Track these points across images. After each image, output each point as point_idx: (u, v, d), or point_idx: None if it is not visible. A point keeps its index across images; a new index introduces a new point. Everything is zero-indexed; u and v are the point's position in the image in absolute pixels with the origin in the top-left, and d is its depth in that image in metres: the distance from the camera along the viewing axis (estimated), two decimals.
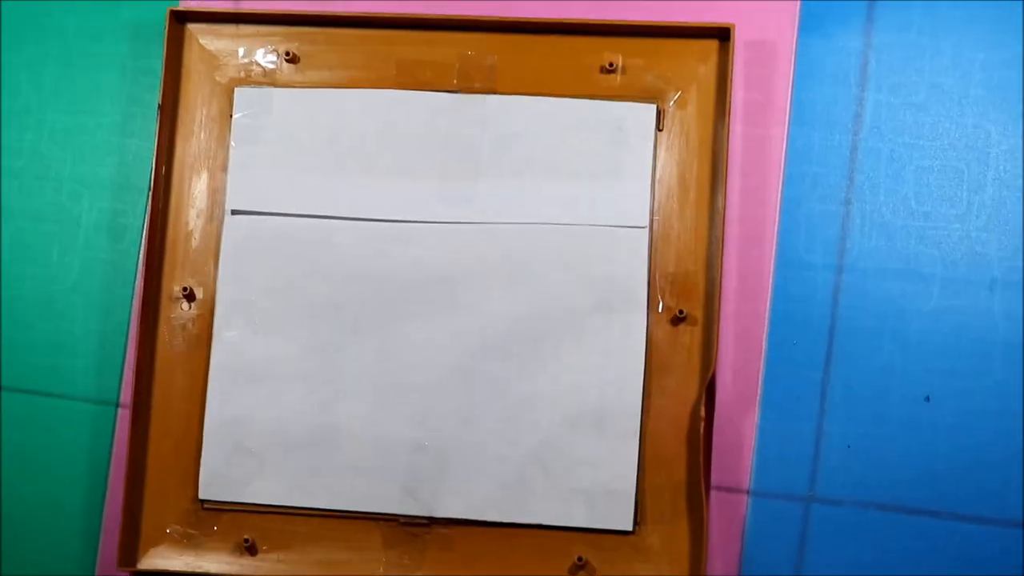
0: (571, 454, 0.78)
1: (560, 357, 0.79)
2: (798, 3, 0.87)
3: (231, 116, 0.83)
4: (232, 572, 0.78)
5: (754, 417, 0.84)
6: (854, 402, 0.84)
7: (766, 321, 0.85)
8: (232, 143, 0.82)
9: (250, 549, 0.78)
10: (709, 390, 0.78)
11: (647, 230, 0.81)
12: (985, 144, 0.85)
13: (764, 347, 0.84)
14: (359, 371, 0.79)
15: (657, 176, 0.82)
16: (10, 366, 0.88)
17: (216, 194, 0.83)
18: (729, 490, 0.84)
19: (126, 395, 0.85)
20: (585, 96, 0.83)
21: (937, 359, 0.84)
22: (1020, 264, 0.84)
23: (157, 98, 0.86)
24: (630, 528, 0.78)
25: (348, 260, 0.81)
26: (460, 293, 0.80)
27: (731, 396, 0.84)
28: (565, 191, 0.81)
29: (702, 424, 0.78)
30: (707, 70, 0.83)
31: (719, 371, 0.83)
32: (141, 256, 0.84)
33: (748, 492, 0.84)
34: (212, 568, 0.78)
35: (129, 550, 0.78)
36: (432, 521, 0.78)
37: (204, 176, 0.83)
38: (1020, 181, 0.85)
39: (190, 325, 0.81)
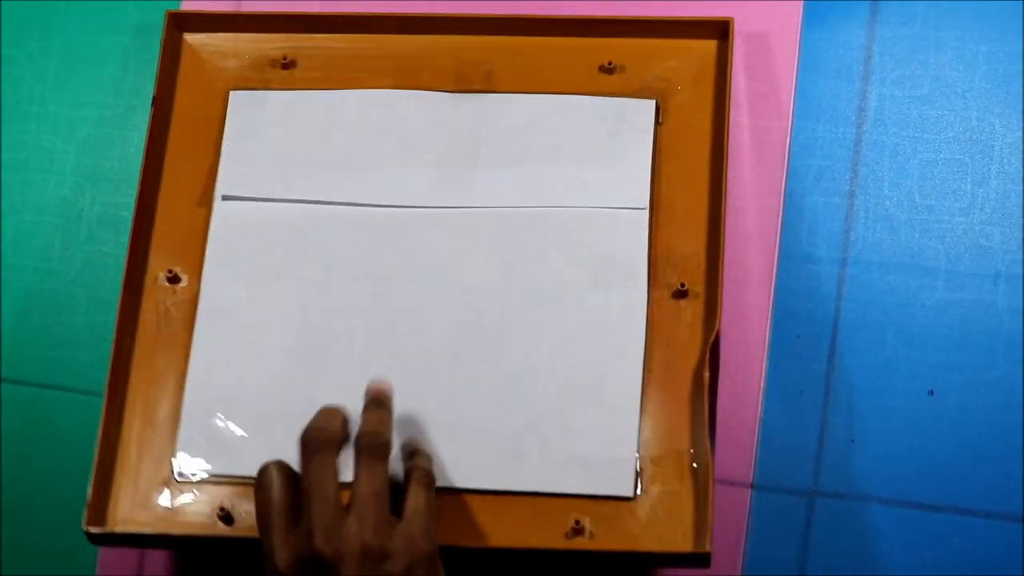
0: (570, 423, 0.77)
1: (557, 332, 0.78)
2: None
3: (225, 117, 0.82)
4: (205, 535, 0.76)
5: (757, 411, 0.84)
6: (858, 396, 0.83)
7: (769, 314, 0.84)
8: (225, 140, 0.82)
9: (225, 519, 0.77)
10: (713, 353, 0.77)
11: (647, 211, 0.80)
12: (989, 137, 0.85)
13: (767, 340, 0.84)
14: (347, 347, 0.78)
15: (657, 165, 0.81)
16: (12, 358, 0.88)
17: (207, 184, 0.82)
18: (732, 484, 0.83)
19: None
20: (584, 94, 0.82)
21: (941, 353, 0.83)
22: None
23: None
24: (630, 494, 0.76)
25: (340, 244, 0.80)
26: (455, 273, 0.80)
27: (734, 389, 0.83)
28: (565, 177, 0.81)
29: (706, 386, 0.76)
30: (707, 64, 0.82)
31: (722, 363, 0.83)
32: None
33: (751, 486, 0.83)
34: (184, 532, 0.76)
35: (99, 510, 0.77)
36: None
37: (195, 167, 0.83)
38: None
39: (174, 309, 0.80)
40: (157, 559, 0.86)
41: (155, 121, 0.82)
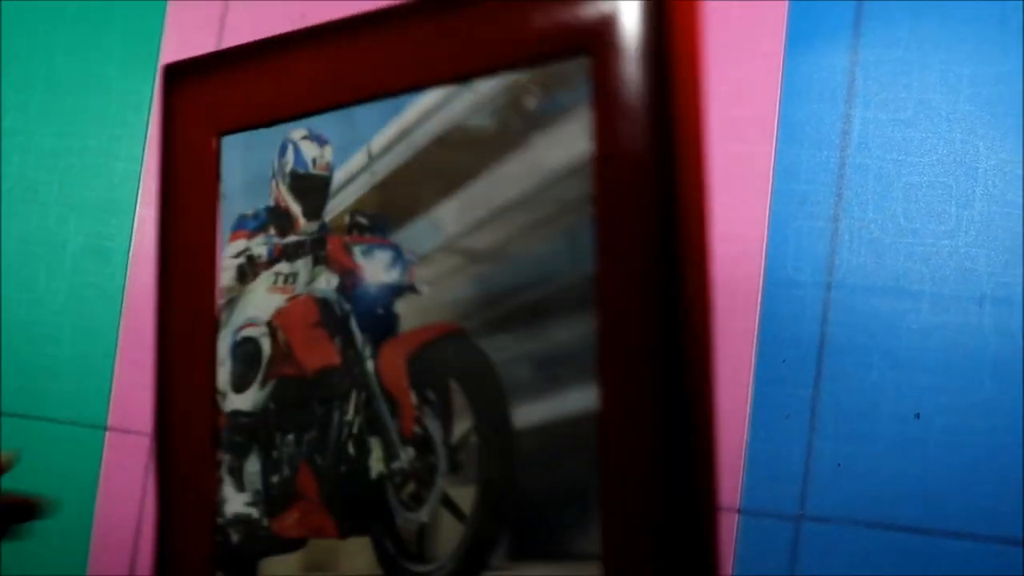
0: None
1: None
2: (784, 21, 0.86)
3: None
4: None
5: (743, 435, 0.84)
6: (844, 420, 0.83)
7: (755, 339, 0.84)
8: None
9: None
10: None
11: None
12: (974, 159, 0.85)
13: (753, 365, 0.84)
14: None
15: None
16: (9, 390, 0.88)
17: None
18: (719, 508, 0.83)
19: (114, 418, 0.85)
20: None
21: (927, 376, 0.83)
22: (1010, 280, 0.83)
23: (145, 119, 0.87)
24: None
25: None
26: None
27: (720, 414, 0.83)
28: None
29: None
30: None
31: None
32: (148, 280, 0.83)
33: (738, 511, 0.83)
34: None
35: None
36: None
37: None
38: (1009, 196, 0.84)
39: None
40: (148, 560, 0.86)
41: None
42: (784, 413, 0.84)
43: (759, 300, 0.85)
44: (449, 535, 0.69)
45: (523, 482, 0.66)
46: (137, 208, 0.88)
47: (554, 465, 0.65)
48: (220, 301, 0.75)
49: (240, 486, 0.74)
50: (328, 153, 0.74)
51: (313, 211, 0.74)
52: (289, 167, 0.75)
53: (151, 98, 0.89)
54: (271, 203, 0.75)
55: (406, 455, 0.70)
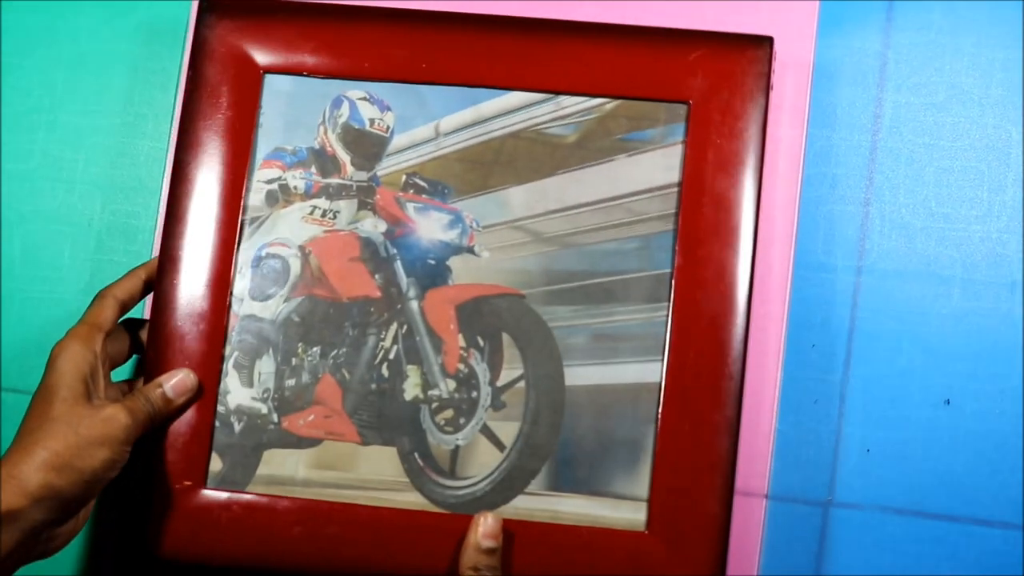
0: None
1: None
2: (817, 4, 0.86)
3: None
4: None
5: (772, 421, 0.83)
6: (873, 405, 0.83)
7: (784, 323, 0.84)
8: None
9: None
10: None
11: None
12: (1006, 145, 0.84)
13: (782, 349, 0.84)
14: None
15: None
16: (19, 367, 0.88)
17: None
18: (747, 494, 0.83)
19: None
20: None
21: (957, 362, 0.83)
22: None
23: (172, 98, 0.87)
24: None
25: None
26: None
27: (749, 399, 0.83)
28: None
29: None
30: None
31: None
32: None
33: (766, 496, 0.83)
34: None
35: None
36: None
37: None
38: None
39: None
40: None
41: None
42: (813, 398, 0.83)
43: (789, 284, 0.84)
44: (486, 460, 0.78)
45: (570, 426, 0.77)
46: (163, 187, 0.87)
47: (604, 419, 0.77)
48: (243, 217, 0.80)
49: (248, 382, 0.79)
50: (389, 118, 0.80)
51: (364, 163, 0.81)
52: (343, 119, 0.81)
53: (178, 77, 0.89)
54: (315, 145, 0.81)
55: (446, 386, 0.78)
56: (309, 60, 0.81)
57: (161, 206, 0.87)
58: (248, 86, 0.80)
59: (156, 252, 0.83)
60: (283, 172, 0.80)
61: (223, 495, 0.78)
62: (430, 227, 0.79)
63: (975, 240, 0.84)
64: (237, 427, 0.79)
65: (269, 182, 0.80)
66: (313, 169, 0.81)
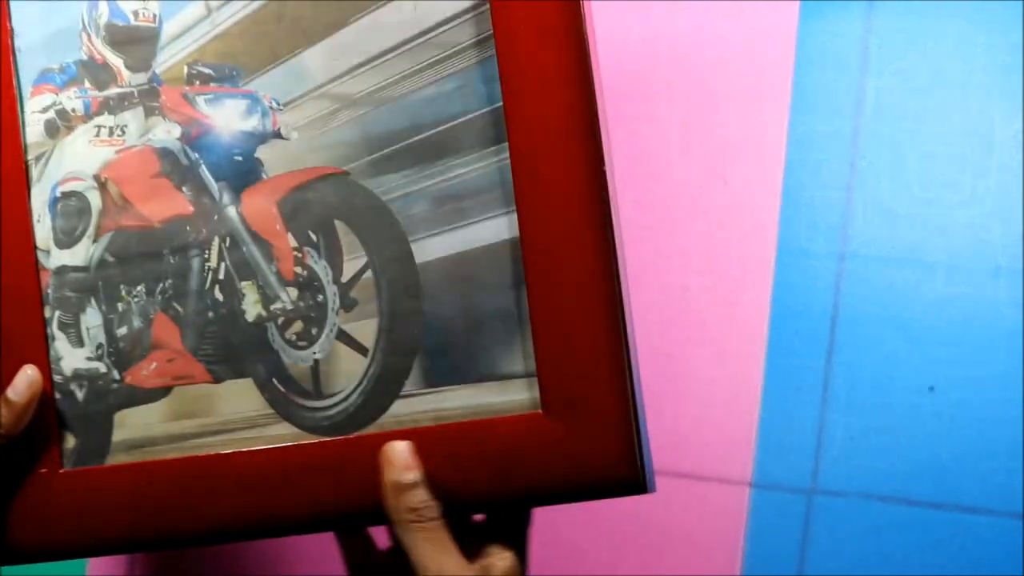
0: None
1: None
2: None
3: None
4: None
5: (755, 408, 0.83)
6: (857, 392, 0.83)
7: (767, 310, 0.84)
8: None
9: None
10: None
11: None
12: (989, 129, 0.84)
13: (765, 337, 0.83)
14: None
15: None
16: None
17: None
18: (730, 482, 0.83)
19: None
20: None
21: (941, 348, 0.82)
22: None
23: None
24: None
25: None
26: None
27: (732, 386, 0.83)
28: None
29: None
30: None
31: (720, 360, 0.82)
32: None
33: (750, 484, 0.83)
34: None
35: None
36: None
37: None
38: None
39: None
40: (146, 559, 0.86)
41: None
42: (796, 386, 0.83)
43: (772, 271, 0.84)
44: (350, 368, 0.68)
45: (432, 310, 0.67)
46: None
47: (466, 292, 0.67)
48: (27, 157, 0.72)
49: (79, 342, 0.72)
50: (154, 6, 0.72)
51: (139, 64, 0.72)
52: (104, 20, 0.72)
53: None
54: (83, 57, 0.72)
55: (288, 296, 0.69)
56: None
57: None
58: None
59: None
60: (56, 95, 0.72)
61: (83, 474, 0.70)
62: (227, 118, 0.70)
63: (958, 226, 0.83)
64: (80, 395, 0.71)
65: (44, 110, 0.72)
66: (87, 84, 0.72)
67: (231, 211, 0.70)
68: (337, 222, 0.69)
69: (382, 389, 0.68)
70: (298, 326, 0.69)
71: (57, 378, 0.70)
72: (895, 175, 0.84)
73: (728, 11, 0.85)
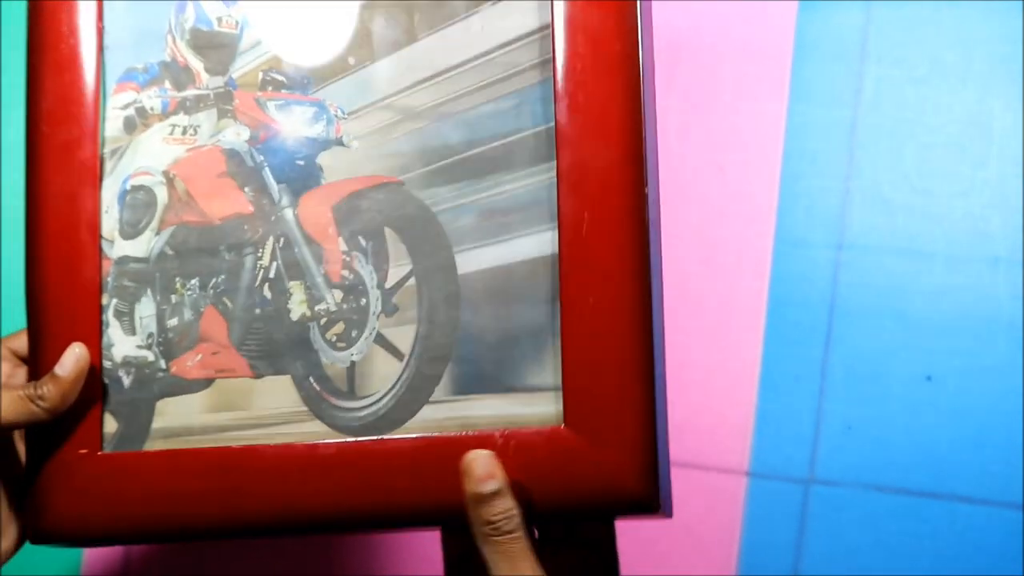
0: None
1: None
2: None
3: None
4: None
5: (753, 398, 0.83)
6: (854, 382, 0.83)
7: (765, 299, 0.84)
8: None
9: None
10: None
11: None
12: (988, 119, 0.84)
13: (763, 326, 0.83)
14: None
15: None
16: None
17: None
18: (728, 471, 0.83)
19: None
20: None
21: (939, 338, 0.82)
22: None
23: None
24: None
25: None
26: None
27: (729, 376, 0.83)
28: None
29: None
30: None
31: (717, 350, 0.82)
32: None
33: (747, 473, 0.83)
34: None
35: None
36: None
37: None
38: None
39: None
40: (143, 562, 0.86)
41: None
42: (794, 375, 0.83)
43: (770, 260, 0.84)
44: (385, 371, 0.70)
45: (469, 320, 0.69)
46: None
47: (503, 304, 0.69)
48: (103, 150, 0.75)
49: (131, 330, 0.74)
50: (237, 12, 0.75)
51: (217, 67, 0.75)
52: (189, 24, 0.75)
53: None
54: (166, 58, 0.75)
55: (332, 297, 0.71)
56: None
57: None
58: (87, 9, 0.75)
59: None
60: (138, 94, 0.75)
61: (120, 458, 0.71)
62: (294, 124, 0.73)
63: (957, 216, 0.83)
64: (126, 381, 0.73)
65: (124, 107, 0.75)
66: (167, 84, 0.75)
67: (288, 213, 0.72)
68: (387, 229, 0.71)
69: (413, 394, 0.70)
70: (339, 328, 0.71)
71: (107, 364, 0.72)
72: (893, 165, 0.84)
73: (727, 1, 0.85)
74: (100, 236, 0.73)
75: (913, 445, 0.82)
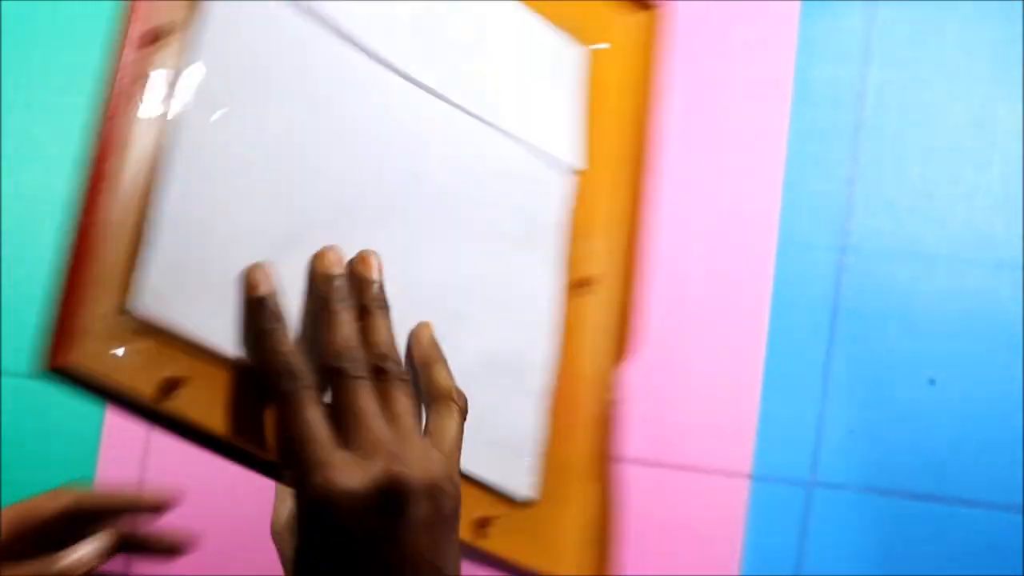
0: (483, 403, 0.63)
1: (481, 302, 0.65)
2: None
3: None
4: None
5: (756, 400, 0.83)
6: (857, 385, 0.83)
7: (768, 303, 0.83)
8: None
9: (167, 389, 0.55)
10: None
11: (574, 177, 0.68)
12: (992, 122, 0.84)
13: (766, 329, 0.83)
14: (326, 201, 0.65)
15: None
16: (10, 350, 0.87)
17: None
18: (730, 474, 0.83)
19: None
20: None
21: (942, 341, 0.82)
22: None
23: None
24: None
25: (334, 87, 0.66)
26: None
27: (732, 379, 0.83)
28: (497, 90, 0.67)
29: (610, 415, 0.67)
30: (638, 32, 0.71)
31: (721, 352, 0.82)
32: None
33: (750, 476, 0.83)
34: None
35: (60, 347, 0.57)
36: None
37: None
38: None
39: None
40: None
41: None
42: (797, 378, 0.83)
43: (773, 263, 0.84)
44: None
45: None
46: None
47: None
48: None
49: None
50: None
51: None
52: None
53: None
54: None
55: None
56: None
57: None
58: None
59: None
60: None
61: None
62: None
63: (960, 219, 0.83)
64: None
65: None
66: None
67: None
68: None
69: None
70: None
71: None
72: (897, 168, 0.84)
73: (730, 2, 0.84)
74: None
75: (916, 448, 0.82)
